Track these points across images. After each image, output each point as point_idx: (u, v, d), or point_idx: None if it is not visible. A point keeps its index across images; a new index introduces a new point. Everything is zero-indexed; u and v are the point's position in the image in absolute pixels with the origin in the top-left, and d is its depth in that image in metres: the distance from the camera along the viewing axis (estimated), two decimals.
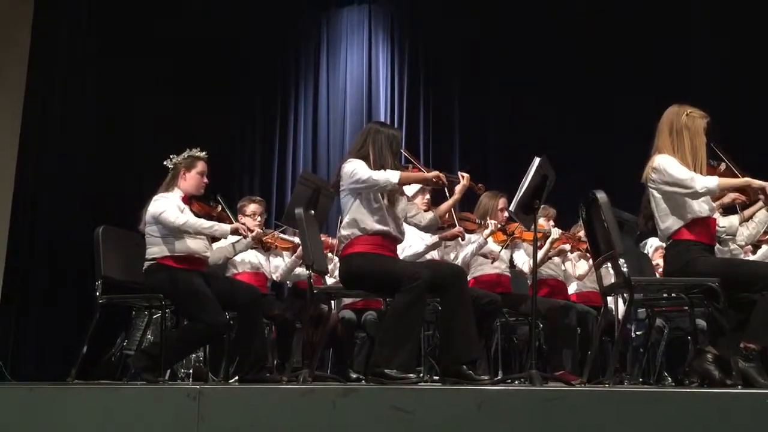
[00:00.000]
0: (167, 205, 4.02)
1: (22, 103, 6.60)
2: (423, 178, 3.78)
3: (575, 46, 7.16)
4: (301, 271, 5.04)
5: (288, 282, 5.39)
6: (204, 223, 4.05)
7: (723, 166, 3.52)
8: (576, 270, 5.32)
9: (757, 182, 3.37)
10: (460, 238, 4.55)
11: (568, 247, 5.06)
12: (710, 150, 3.49)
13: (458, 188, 3.98)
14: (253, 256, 5.04)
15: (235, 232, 4.18)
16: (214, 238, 4.29)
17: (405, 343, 3.39)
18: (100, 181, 6.80)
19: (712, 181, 3.29)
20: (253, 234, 4.43)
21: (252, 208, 4.99)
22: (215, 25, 7.42)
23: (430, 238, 4.59)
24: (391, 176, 3.53)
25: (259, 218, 4.97)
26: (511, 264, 5.01)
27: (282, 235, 5.01)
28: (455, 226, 4.45)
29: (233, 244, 4.63)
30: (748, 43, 6.66)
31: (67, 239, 6.42)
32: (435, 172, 3.73)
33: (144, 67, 7.00)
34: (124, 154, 6.90)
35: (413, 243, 4.54)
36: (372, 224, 3.59)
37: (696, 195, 3.32)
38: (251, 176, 7.83)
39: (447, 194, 4.02)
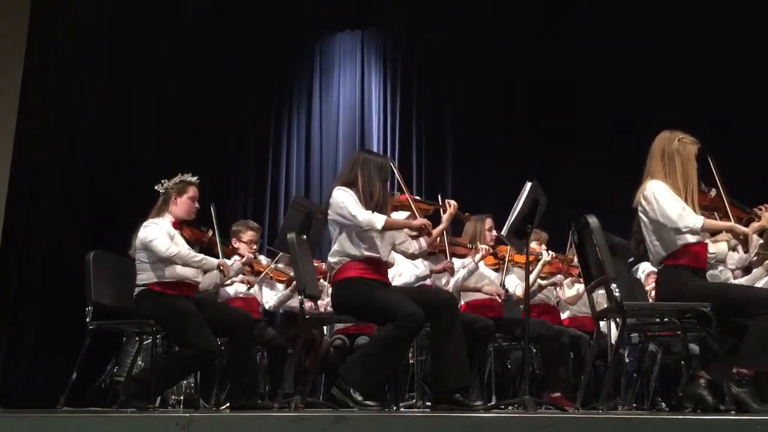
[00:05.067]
0: (157, 233, 4.00)
1: (15, 122, 6.56)
2: (409, 226, 3.78)
3: (569, 72, 7.21)
4: (294, 301, 4.98)
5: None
6: (194, 257, 4.03)
7: (713, 192, 3.54)
8: (564, 293, 5.30)
9: (739, 228, 3.45)
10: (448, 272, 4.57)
11: (560, 277, 5.06)
12: (706, 166, 3.53)
13: (445, 216, 4.01)
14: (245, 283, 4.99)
15: (218, 268, 4.16)
16: None
17: (379, 373, 3.43)
18: (95, 205, 6.79)
19: (698, 222, 3.33)
20: (244, 259, 4.41)
21: (249, 235, 4.88)
22: (209, 50, 7.44)
23: (421, 267, 4.58)
24: (377, 221, 3.54)
25: (255, 246, 4.92)
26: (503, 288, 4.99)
27: (278, 265, 4.95)
28: (446, 250, 4.44)
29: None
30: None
31: (58, 264, 6.38)
32: (421, 221, 3.74)
33: (140, 89, 7.02)
34: (119, 176, 6.87)
35: (404, 272, 4.53)
36: (360, 251, 3.59)
37: (679, 232, 3.36)
38: (244, 200, 7.82)
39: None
